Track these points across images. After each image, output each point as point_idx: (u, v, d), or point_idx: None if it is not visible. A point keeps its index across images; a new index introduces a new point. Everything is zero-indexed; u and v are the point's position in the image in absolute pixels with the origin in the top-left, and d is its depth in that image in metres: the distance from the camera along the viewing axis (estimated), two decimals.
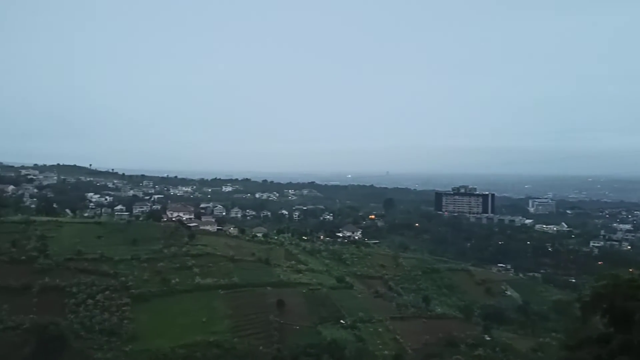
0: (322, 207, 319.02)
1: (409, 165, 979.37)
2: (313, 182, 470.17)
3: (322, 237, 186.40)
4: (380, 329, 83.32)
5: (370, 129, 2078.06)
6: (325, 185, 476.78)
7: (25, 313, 72.12)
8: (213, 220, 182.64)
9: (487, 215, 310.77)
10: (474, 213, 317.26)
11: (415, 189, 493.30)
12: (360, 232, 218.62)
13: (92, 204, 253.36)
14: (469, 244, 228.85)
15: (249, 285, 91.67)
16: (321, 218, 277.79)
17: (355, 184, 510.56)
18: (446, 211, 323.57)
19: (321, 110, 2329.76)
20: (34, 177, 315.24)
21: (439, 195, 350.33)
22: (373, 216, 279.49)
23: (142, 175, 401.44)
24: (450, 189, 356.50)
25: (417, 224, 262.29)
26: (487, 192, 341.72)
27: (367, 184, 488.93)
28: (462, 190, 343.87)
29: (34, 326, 66.26)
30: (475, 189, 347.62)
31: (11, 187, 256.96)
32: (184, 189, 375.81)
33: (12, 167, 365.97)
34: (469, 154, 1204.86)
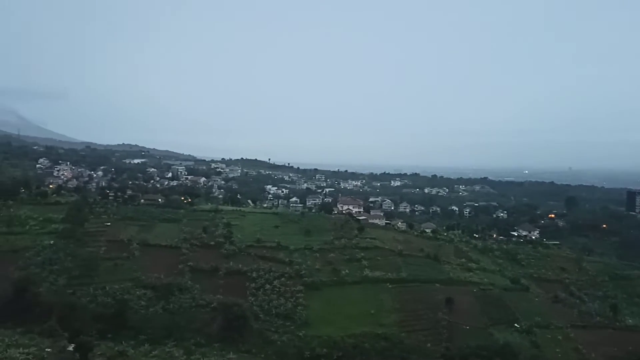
0: (495, 204, 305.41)
1: (594, 161, 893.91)
2: (485, 178, 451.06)
3: (494, 235, 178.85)
4: (559, 337, 77.26)
5: (548, 120, 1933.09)
6: (499, 181, 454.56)
7: (213, 293, 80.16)
8: (381, 214, 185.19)
9: None
10: None
11: (602, 187, 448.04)
12: (537, 231, 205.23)
13: (270, 196, 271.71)
14: None
15: (417, 281, 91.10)
16: (494, 215, 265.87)
17: (533, 180, 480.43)
18: None
19: (494, 101, 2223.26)
20: (222, 170, 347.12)
21: (631, 194, 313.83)
22: (553, 215, 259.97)
23: (315, 169, 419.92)
24: None
25: (604, 225, 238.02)
26: None
27: (547, 181, 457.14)
28: None
29: (221, 305, 72.91)
30: None
31: (203, 179, 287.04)
32: (353, 182, 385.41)
33: (204, 160, 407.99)
34: None
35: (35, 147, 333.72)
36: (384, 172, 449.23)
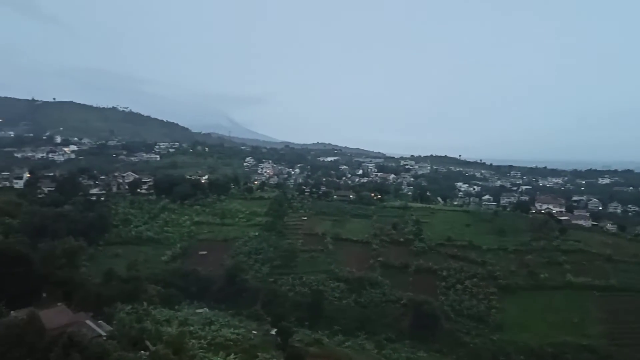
0: None
1: None
2: None
3: None
4: None
5: None
6: None
7: (403, 289, 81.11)
8: (587, 214, 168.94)
9: None
10: None
11: None
12: None
13: (460, 193, 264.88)
14: None
15: (630, 290, 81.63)
16: None
17: None
18: None
19: None
20: (411, 167, 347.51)
21: None
22: None
23: (510, 166, 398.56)
24: None
25: None
26: None
27: None
28: None
29: (411, 302, 73.63)
30: None
31: (392, 175, 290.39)
32: (554, 180, 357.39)
33: (393, 157, 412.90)
34: None
35: (243, 147, 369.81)
36: (590, 169, 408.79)
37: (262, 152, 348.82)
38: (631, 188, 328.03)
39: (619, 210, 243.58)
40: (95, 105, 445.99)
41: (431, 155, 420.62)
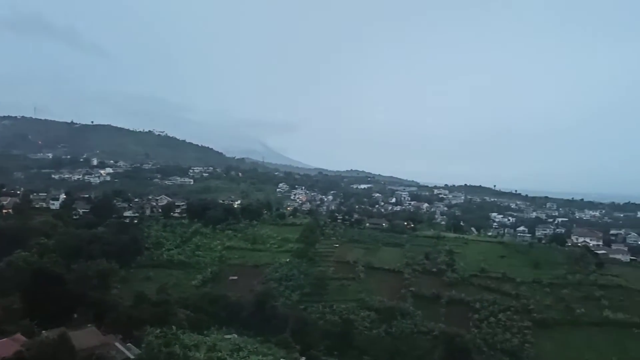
0: None
1: None
2: None
3: None
4: None
5: None
6: None
7: (434, 321, 79.27)
8: (625, 248, 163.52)
9: None
10: None
11: None
12: None
13: (495, 224, 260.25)
14: None
15: None
16: None
17: None
18: None
19: None
20: (444, 196, 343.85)
21: None
22: None
23: (546, 197, 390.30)
24: None
25: None
26: None
27: None
28: None
29: (442, 335, 71.80)
30: None
31: (425, 204, 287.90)
32: (591, 212, 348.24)
33: (427, 186, 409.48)
34: None
35: (276, 173, 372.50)
36: (628, 202, 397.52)
37: (296, 178, 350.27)
38: None
39: None
40: (131, 129, 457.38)
41: (465, 184, 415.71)
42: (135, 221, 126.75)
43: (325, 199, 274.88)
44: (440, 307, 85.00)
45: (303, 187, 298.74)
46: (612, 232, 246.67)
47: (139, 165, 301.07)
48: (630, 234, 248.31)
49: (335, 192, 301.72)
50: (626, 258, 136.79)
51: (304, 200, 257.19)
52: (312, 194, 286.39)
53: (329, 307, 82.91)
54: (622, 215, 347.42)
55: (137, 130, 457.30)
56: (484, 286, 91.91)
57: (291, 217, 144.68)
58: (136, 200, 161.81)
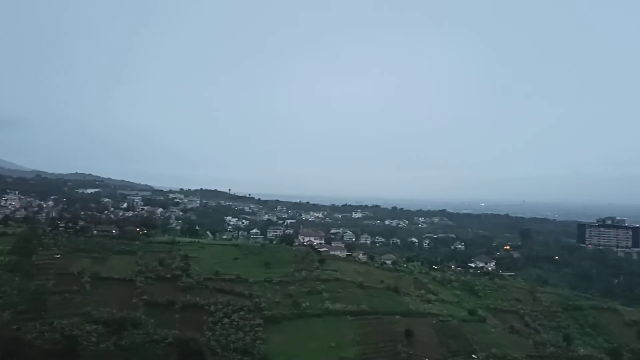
0: (453, 235, 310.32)
1: (547, 194, 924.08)
2: (444, 210, 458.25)
3: (453, 267, 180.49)
4: None
5: (505, 156, 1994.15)
6: (457, 213, 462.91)
7: (169, 328, 77.26)
8: (343, 246, 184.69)
9: (638, 249, 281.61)
10: (622, 247, 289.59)
11: (554, 220, 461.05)
12: (493, 263, 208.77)
13: (230, 227, 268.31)
14: (616, 281, 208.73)
15: (378, 313, 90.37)
16: (452, 247, 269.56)
17: (489, 212, 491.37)
18: (590, 244, 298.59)
19: (452, 137, 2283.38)
20: (180, 201, 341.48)
21: (581, 227, 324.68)
22: (508, 247, 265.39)
23: (277, 201, 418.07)
24: (595, 220, 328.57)
25: (556, 257, 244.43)
26: (638, 225, 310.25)
27: (502, 213, 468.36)
28: (609, 222, 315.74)
29: (176, 341, 70.43)
30: (624, 221, 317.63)
31: (160, 209, 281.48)
32: (315, 214, 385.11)
33: (162, 191, 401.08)
34: (615, 183, 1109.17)
35: None
36: (346, 204, 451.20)
37: (7, 181, 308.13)
38: (378, 222, 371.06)
39: (368, 241, 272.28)
40: None
41: (201, 188, 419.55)
42: None
43: (45, 205, 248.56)
44: (174, 314, 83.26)
45: (17, 192, 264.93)
46: (332, 231, 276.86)
47: None
48: (346, 232, 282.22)
49: (57, 197, 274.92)
50: (343, 254, 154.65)
51: (17, 206, 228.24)
52: (29, 199, 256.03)
53: (48, 325, 74.13)
54: (340, 216, 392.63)
55: None
56: (219, 288, 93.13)
57: (1, 226, 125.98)
58: None
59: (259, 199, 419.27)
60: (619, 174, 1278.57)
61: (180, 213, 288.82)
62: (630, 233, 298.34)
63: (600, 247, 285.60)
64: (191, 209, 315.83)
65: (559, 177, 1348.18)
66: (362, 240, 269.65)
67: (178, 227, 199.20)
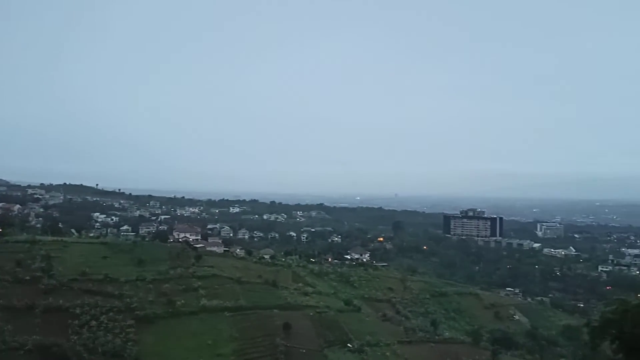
0: (330, 229, 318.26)
1: (417, 188, 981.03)
2: (321, 204, 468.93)
3: (330, 259, 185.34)
4: (387, 353, 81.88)
5: (379, 151, 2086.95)
6: (334, 207, 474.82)
7: (28, 334, 71.55)
8: (220, 241, 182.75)
9: (495, 238, 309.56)
10: (482, 236, 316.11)
11: (423, 212, 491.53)
12: (368, 254, 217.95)
13: (98, 224, 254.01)
14: (477, 268, 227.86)
15: (256, 308, 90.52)
16: (329, 240, 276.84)
17: (364, 206, 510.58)
18: (454, 234, 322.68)
19: (328, 132, 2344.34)
20: (40, 197, 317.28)
21: (447, 218, 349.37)
22: (381, 239, 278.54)
23: (149, 196, 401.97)
24: (459, 212, 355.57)
25: (425, 247, 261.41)
26: (495, 216, 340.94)
27: (376, 206, 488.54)
28: (471, 214, 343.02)
29: (37, 347, 65.78)
30: (483, 212, 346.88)
31: (17, 206, 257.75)
32: (191, 209, 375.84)
33: (19, 186, 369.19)
34: (477, 178, 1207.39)
35: None
36: (223, 199, 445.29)
37: None
38: (256, 216, 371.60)
39: (246, 236, 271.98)
40: None
41: (65, 183, 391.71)
42: None
43: None
44: (35, 318, 77.11)
45: None
46: (209, 226, 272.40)
47: None
48: (224, 227, 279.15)
49: None
50: (221, 250, 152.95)
51: None
52: None
53: None
54: (217, 211, 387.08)
55: None
56: (85, 290, 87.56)
57: None
58: None
59: (130, 194, 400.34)
60: (483, 170, 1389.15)
61: (41, 210, 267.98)
62: (489, 223, 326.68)
63: (464, 237, 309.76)
64: (53, 205, 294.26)
65: (430, 173, 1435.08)
66: (240, 236, 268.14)
67: (39, 225, 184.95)
